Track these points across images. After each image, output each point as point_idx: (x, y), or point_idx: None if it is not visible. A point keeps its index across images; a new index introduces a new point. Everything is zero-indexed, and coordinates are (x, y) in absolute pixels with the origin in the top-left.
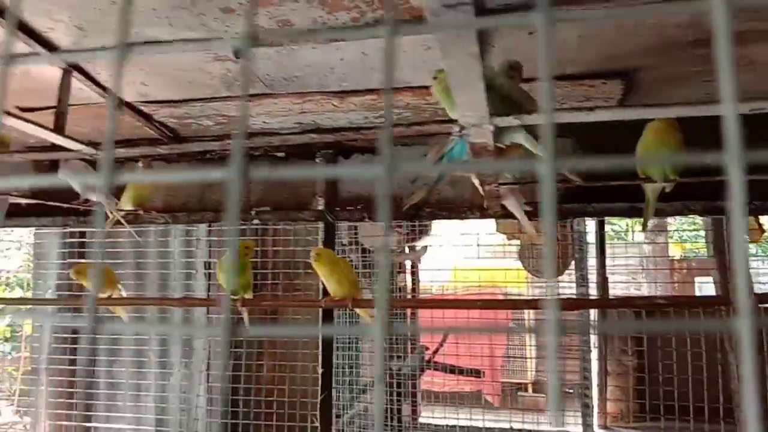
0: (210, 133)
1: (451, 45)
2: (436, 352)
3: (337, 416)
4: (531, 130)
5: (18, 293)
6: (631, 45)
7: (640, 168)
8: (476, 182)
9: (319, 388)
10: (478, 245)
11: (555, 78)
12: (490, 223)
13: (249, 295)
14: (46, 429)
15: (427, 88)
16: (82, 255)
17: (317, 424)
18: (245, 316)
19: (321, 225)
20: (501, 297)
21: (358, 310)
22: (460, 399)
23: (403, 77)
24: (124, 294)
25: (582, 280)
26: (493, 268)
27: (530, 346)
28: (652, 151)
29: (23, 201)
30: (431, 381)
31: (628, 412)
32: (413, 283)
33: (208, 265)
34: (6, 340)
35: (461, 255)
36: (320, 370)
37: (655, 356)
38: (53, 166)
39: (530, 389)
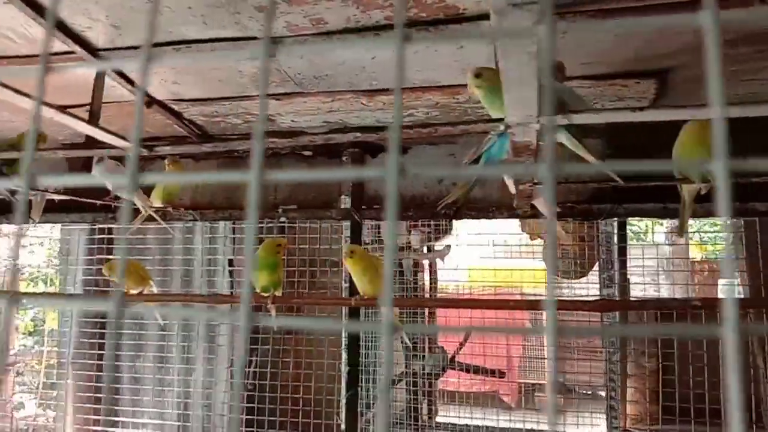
0: (238, 131)
1: (511, 44)
2: (457, 351)
3: (360, 414)
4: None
5: (41, 288)
6: (666, 44)
7: (677, 168)
8: (509, 182)
9: (342, 386)
10: (493, 245)
11: (588, 78)
12: (506, 223)
13: (279, 293)
14: (72, 423)
15: (455, 87)
16: (108, 251)
17: (341, 422)
18: (273, 312)
19: (346, 224)
20: (518, 297)
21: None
22: (477, 399)
23: (433, 76)
24: (155, 290)
25: (609, 282)
26: (510, 268)
27: (548, 346)
28: (690, 152)
29: (57, 197)
30: (446, 380)
31: (646, 415)
32: (431, 283)
33: (231, 262)
34: (29, 334)
35: (476, 254)
36: (346, 369)
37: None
38: (85, 164)
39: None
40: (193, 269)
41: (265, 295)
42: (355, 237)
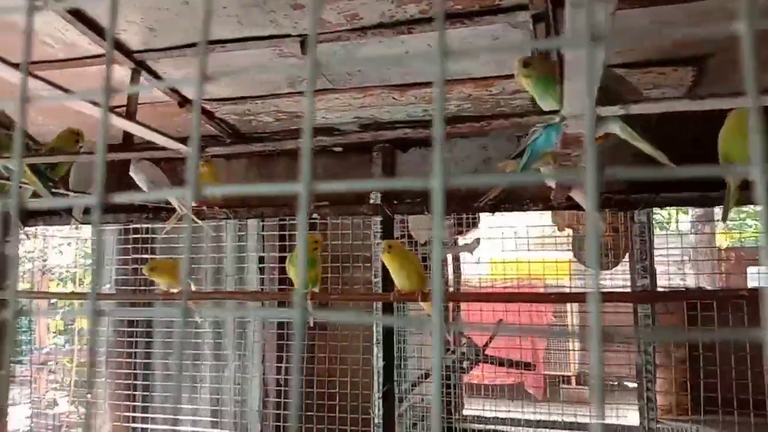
0: (269, 129)
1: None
2: (487, 344)
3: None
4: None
5: (70, 288)
6: (704, 30)
7: (722, 156)
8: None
9: (375, 381)
10: (515, 237)
11: (623, 66)
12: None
13: (316, 289)
14: (108, 419)
15: (489, 78)
16: (139, 251)
17: (375, 416)
18: (309, 309)
19: (375, 219)
20: (541, 289)
21: (423, 304)
22: (502, 391)
23: (465, 68)
24: (193, 288)
25: (644, 272)
26: (532, 260)
27: (573, 338)
28: (736, 139)
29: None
30: (470, 373)
31: (675, 405)
32: (455, 276)
33: (261, 259)
34: (60, 332)
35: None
36: (381, 363)
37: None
38: (123, 166)
39: (573, 382)
40: (224, 267)
41: (303, 291)
42: (387, 232)
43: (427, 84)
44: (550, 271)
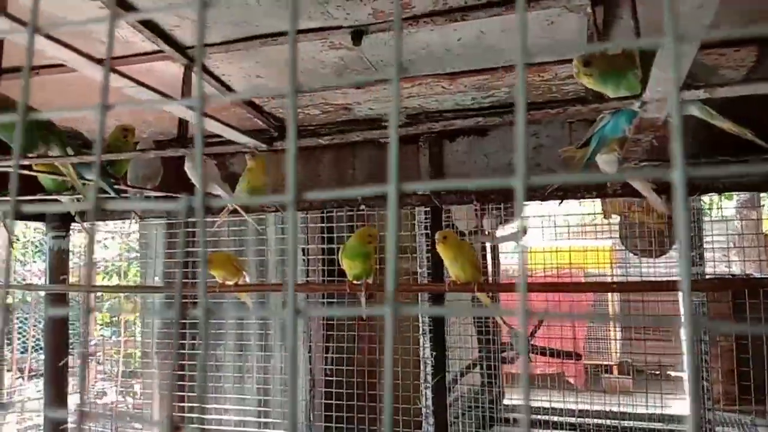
0: (316, 121)
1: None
2: (533, 334)
3: (434, 399)
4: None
5: (115, 281)
6: None
7: None
8: (608, 163)
9: (422, 371)
10: (554, 226)
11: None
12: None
13: (371, 281)
14: (158, 409)
15: (542, 64)
16: (187, 244)
17: (422, 405)
18: (363, 300)
19: (419, 209)
20: (582, 278)
21: (479, 295)
22: (543, 381)
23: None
24: (248, 281)
25: (699, 260)
26: (574, 249)
27: (614, 327)
28: None
29: (153, 194)
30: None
31: (723, 395)
32: (493, 266)
33: (305, 251)
34: (107, 324)
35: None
36: (432, 354)
37: (751, 338)
38: (178, 161)
39: (615, 371)
40: (267, 259)
41: (357, 283)
42: (436, 222)
43: (479, 71)
44: (591, 260)
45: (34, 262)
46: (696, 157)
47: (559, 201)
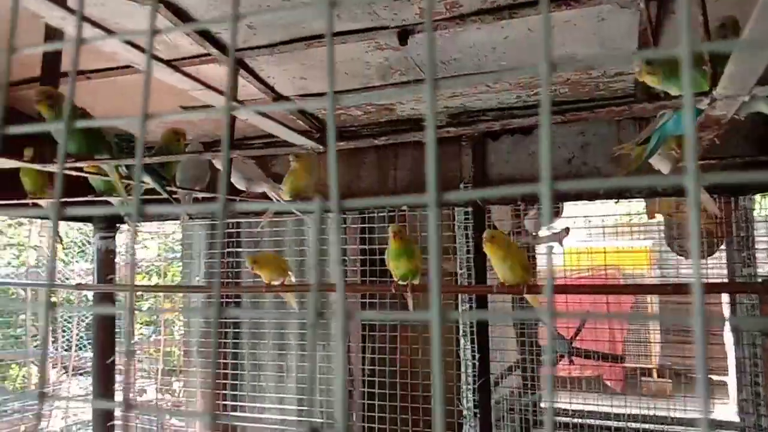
0: (358, 122)
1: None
2: (574, 337)
3: (476, 401)
4: None
5: (155, 280)
6: None
7: None
8: (661, 162)
9: (464, 372)
10: (595, 226)
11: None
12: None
13: (416, 281)
14: (199, 406)
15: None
16: (227, 245)
17: (462, 407)
18: (410, 301)
19: (458, 209)
20: (621, 280)
21: (528, 297)
22: (581, 384)
23: (568, 51)
24: (293, 281)
25: (750, 261)
26: (610, 250)
27: (654, 330)
28: None
29: (201, 195)
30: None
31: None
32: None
33: (344, 251)
34: (147, 324)
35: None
36: (475, 356)
37: None
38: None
39: (655, 374)
40: (307, 259)
41: (403, 284)
42: (479, 223)
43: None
44: (628, 261)
45: (77, 261)
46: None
47: (615, 200)
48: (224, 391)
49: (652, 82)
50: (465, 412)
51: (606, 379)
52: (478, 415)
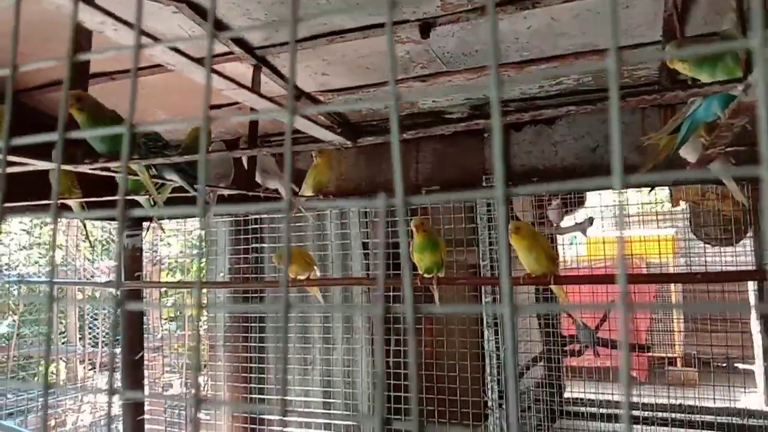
0: (378, 116)
1: None
2: (599, 327)
3: (501, 392)
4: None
5: (179, 277)
6: None
7: None
8: (690, 151)
9: (488, 365)
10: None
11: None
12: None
13: (441, 274)
14: (224, 399)
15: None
16: (249, 240)
17: (488, 399)
18: (435, 294)
19: (481, 201)
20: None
21: (554, 288)
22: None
23: (591, 40)
24: (318, 275)
25: None
26: (634, 239)
27: (677, 319)
28: None
29: (227, 192)
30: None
31: None
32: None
33: (365, 245)
34: (171, 319)
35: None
36: (495, 346)
37: None
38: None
39: (679, 363)
40: (328, 254)
41: (429, 276)
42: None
43: (546, 59)
44: (652, 249)
45: (102, 259)
46: None
47: (650, 189)
48: (250, 385)
49: (683, 69)
50: (490, 404)
51: (630, 369)
52: (503, 406)
